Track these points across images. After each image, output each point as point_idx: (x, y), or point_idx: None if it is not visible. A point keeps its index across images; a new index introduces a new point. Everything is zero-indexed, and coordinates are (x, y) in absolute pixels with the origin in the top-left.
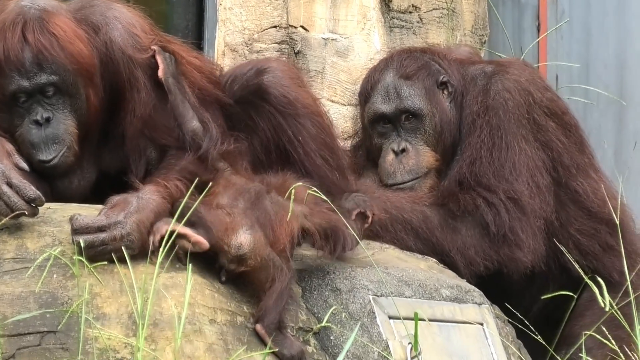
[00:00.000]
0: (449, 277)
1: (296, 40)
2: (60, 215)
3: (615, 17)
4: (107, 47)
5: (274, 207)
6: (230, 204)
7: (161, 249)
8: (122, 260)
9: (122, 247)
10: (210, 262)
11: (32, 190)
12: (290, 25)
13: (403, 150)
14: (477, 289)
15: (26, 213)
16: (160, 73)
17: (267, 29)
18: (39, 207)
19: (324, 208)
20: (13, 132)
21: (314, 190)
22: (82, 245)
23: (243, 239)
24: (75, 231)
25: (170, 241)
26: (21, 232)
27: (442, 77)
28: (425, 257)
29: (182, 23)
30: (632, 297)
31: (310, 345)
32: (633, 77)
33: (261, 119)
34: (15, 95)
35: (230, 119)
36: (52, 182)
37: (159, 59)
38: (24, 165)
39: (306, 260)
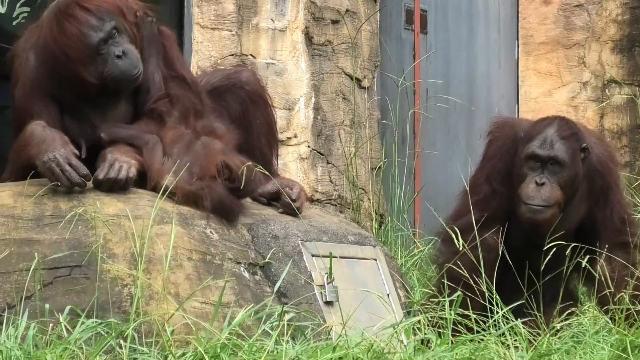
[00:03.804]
0: (354, 228)
1: (247, 64)
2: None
3: (466, 47)
4: None
5: (203, 149)
6: (167, 151)
7: (154, 209)
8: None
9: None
10: (185, 220)
11: (85, 169)
12: (243, 54)
13: (543, 184)
14: (372, 236)
15: (80, 185)
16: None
17: (226, 56)
18: (88, 182)
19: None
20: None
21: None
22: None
23: (167, 182)
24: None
25: (162, 200)
26: (56, 196)
27: (583, 144)
28: (337, 213)
29: None
30: None
31: (257, 275)
32: (479, 90)
33: (234, 102)
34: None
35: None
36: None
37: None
38: (76, 152)
39: (254, 216)
